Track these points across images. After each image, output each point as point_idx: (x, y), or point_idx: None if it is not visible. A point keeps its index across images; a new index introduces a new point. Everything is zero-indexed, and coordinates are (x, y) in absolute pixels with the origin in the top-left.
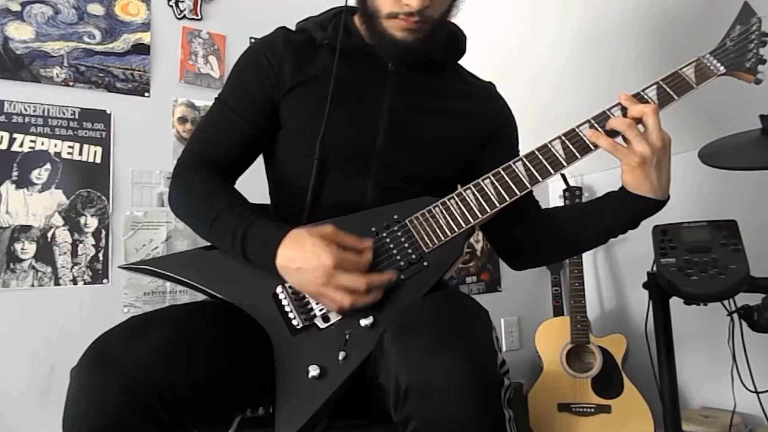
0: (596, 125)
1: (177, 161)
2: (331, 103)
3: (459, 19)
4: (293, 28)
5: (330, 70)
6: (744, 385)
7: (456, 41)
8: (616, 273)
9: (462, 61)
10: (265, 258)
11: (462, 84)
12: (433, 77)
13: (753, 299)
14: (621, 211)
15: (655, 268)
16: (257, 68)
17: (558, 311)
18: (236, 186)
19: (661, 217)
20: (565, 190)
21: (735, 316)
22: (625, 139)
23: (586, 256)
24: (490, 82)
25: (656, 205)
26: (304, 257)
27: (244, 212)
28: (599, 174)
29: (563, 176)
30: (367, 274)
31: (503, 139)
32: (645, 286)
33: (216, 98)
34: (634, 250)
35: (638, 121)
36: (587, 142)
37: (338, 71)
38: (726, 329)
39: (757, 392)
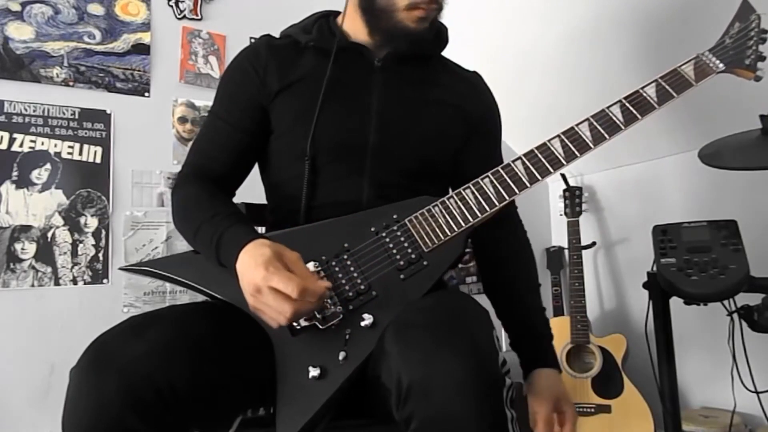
0: (598, 126)
1: (177, 175)
2: (321, 104)
3: (459, 17)
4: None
5: (316, 71)
6: (744, 385)
7: (439, 33)
8: (616, 273)
9: (461, 59)
10: (230, 263)
11: (448, 75)
12: (420, 70)
13: (753, 299)
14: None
15: (655, 268)
16: (243, 77)
17: (558, 311)
18: (239, 191)
19: (661, 217)
20: (565, 190)
21: (735, 316)
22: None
23: (587, 256)
24: (475, 72)
25: None
26: (252, 264)
27: (221, 220)
28: (599, 174)
29: (563, 176)
30: (294, 302)
31: (488, 129)
32: (645, 286)
33: (209, 111)
34: (634, 250)
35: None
36: (586, 140)
37: (325, 72)
38: (726, 329)
39: (757, 392)
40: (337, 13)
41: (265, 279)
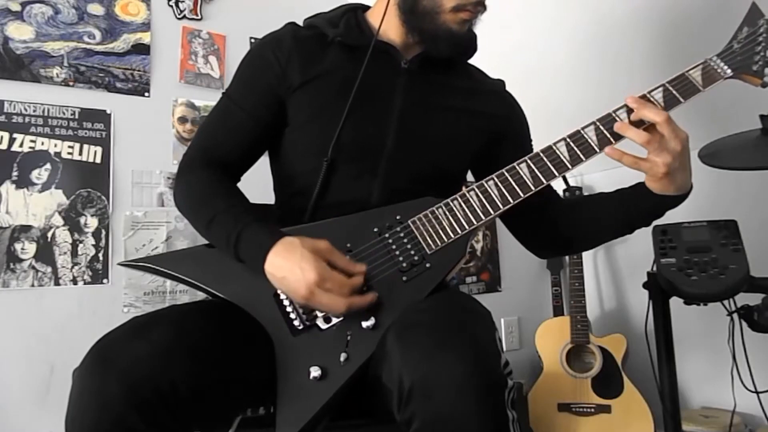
0: (604, 130)
1: (182, 157)
2: (343, 102)
3: None
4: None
5: (340, 68)
6: (744, 385)
7: (469, 40)
8: (616, 273)
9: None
10: (255, 262)
11: (472, 82)
12: (444, 75)
13: (753, 299)
14: (648, 207)
15: (655, 268)
16: (264, 65)
17: (558, 311)
18: (239, 185)
19: (661, 217)
20: (565, 190)
21: (735, 316)
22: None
23: (586, 256)
24: (499, 80)
25: (682, 198)
26: (290, 267)
27: (240, 214)
28: (599, 174)
29: (563, 176)
30: (348, 297)
31: (516, 136)
32: (645, 286)
33: (223, 93)
34: (634, 250)
35: (649, 125)
36: (592, 144)
37: (350, 69)
38: (726, 329)
39: (757, 392)
40: (366, 7)
41: (318, 282)
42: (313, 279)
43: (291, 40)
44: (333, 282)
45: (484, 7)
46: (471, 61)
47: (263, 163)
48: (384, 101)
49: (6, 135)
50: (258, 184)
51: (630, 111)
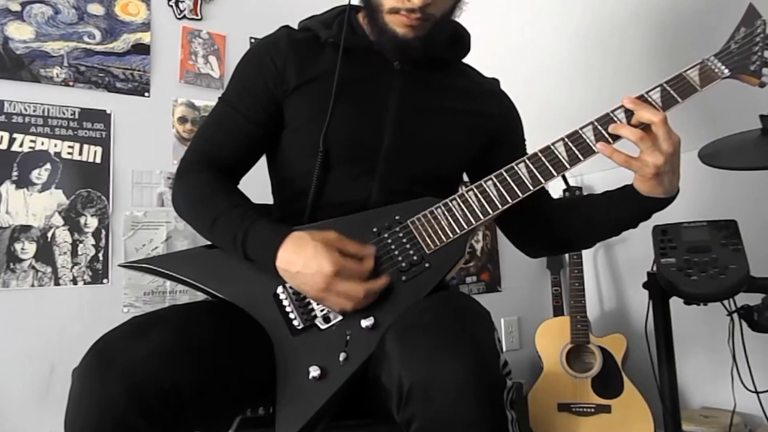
0: (602, 130)
1: (180, 161)
2: (337, 101)
3: (469, 20)
4: (296, 26)
5: (335, 69)
6: (744, 385)
7: (460, 39)
8: (616, 273)
9: (470, 61)
10: (265, 260)
11: (467, 82)
12: (439, 76)
13: (753, 299)
14: (635, 209)
15: (655, 268)
16: (260, 68)
17: (558, 311)
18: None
19: (661, 217)
20: (564, 190)
21: (735, 316)
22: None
23: (586, 256)
24: (494, 79)
25: (668, 201)
26: (304, 262)
27: (245, 213)
28: (599, 174)
29: (563, 176)
30: (365, 282)
31: (511, 135)
32: (645, 286)
33: (219, 98)
34: (634, 250)
35: (645, 125)
36: (590, 144)
37: (344, 69)
38: (726, 329)
39: (757, 392)
40: (359, 8)
41: (336, 273)
42: (330, 271)
43: (286, 43)
44: (348, 271)
45: (424, 15)
46: (469, 60)
47: (262, 165)
48: (379, 102)
49: (6, 135)
50: (257, 185)
51: (627, 110)
